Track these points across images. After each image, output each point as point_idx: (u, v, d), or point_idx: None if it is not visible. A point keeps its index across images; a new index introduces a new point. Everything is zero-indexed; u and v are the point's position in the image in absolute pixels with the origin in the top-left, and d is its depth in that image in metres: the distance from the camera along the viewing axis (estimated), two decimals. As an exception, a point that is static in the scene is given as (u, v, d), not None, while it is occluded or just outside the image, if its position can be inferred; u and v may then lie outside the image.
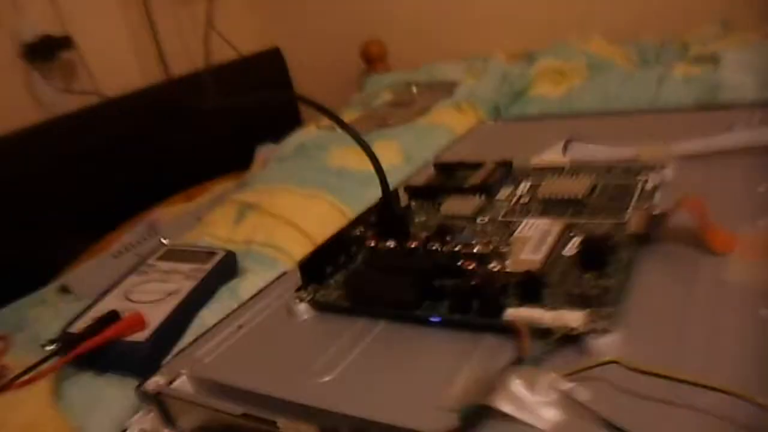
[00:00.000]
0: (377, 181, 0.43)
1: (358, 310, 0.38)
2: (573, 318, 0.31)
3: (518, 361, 0.30)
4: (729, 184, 0.46)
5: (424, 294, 0.36)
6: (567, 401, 0.27)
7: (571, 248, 0.38)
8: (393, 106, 0.98)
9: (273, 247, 0.55)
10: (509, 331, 0.32)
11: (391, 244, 0.40)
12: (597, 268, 0.36)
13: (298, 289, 0.41)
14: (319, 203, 0.60)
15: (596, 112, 0.74)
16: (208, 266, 0.51)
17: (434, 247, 0.38)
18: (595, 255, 0.36)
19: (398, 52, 1.26)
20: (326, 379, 0.33)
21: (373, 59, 1.27)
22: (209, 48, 1.15)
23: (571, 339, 0.31)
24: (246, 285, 0.50)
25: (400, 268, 0.37)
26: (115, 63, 1.07)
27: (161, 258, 0.53)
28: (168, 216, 0.80)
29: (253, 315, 0.42)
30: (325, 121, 0.87)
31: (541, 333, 0.31)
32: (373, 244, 0.41)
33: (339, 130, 0.83)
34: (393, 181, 0.47)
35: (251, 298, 0.44)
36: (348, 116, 0.91)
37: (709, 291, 0.34)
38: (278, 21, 1.41)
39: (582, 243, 0.36)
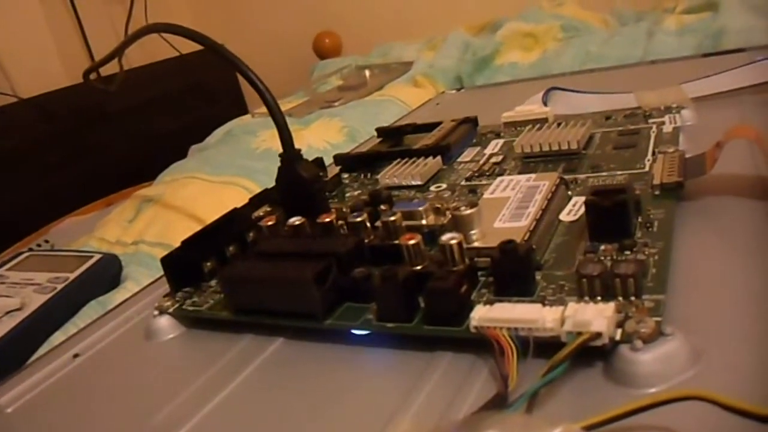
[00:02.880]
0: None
1: (243, 322, 0.23)
2: (595, 316, 0.16)
3: (497, 401, 0.15)
4: (755, 122, 0.32)
5: (341, 293, 0.21)
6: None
7: (571, 212, 0.24)
8: (342, 90, 0.85)
9: (164, 246, 0.40)
10: (481, 346, 0.18)
11: (297, 221, 0.25)
12: (619, 235, 0.21)
13: (166, 296, 0.26)
14: (231, 190, 0.46)
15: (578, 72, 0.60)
16: (72, 275, 0.38)
17: (359, 221, 0.24)
18: (614, 215, 0.21)
19: (353, 43, 1.16)
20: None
21: (327, 52, 1.16)
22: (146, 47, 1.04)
23: (591, 354, 0.17)
24: (121, 295, 0.36)
25: (304, 254, 0.23)
26: (37, 64, 0.97)
27: (16, 267, 0.41)
28: (77, 225, 0.66)
29: (100, 337, 0.27)
30: (263, 109, 0.73)
31: (540, 346, 0.17)
32: (270, 224, 0.26)
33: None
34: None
35: (106, 313, 0.30)
36: (291, 103, 0.77)
37: None
38: (226, 19, 1.32)
39: (590, 199, 0.22)
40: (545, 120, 0.39)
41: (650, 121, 0.35)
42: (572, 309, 0.18)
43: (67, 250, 0.44)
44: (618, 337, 0.17)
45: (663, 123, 0.35)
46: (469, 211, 0.22)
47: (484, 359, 0.19)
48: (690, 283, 0.20)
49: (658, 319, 0.18)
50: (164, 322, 0.26)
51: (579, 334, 0.17)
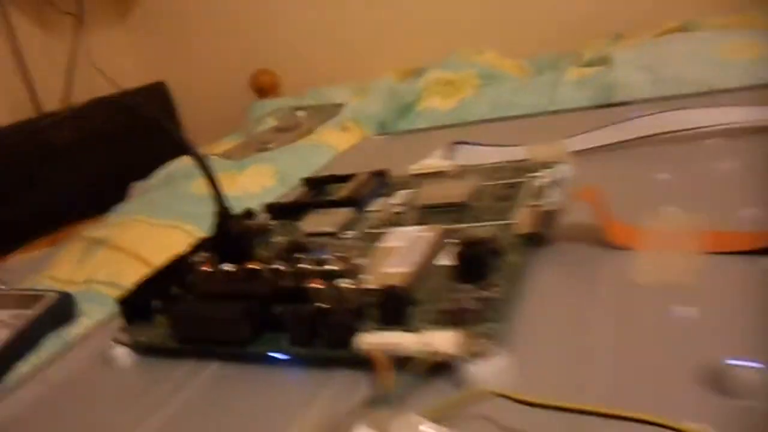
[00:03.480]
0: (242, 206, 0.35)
1: (186, 350, 0.30)
2: (441, 340, 0.23)
3: (373, 402, 0.22)
4: (629, 174, 0.40)
5: (263, 324, 0.28)
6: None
7: (447, 257, 0.31)
8: (277, 132, 0.91)
9: (114, 285, 0.46)
10: (365, 363, 0.24)
11: (229, 267, 0.32)
12: (478, 277, 0.28)
13: (121, 329, 0.32)
14: (173, 233, 0.51)
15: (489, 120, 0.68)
16: (33, 312, 0.43)
17: (278, 268, 0.30)
18: (475, 261, 0.29)
19: (291, 81, 1.21)
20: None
21: (264, 90, 1.21)
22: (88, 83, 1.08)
23: (444, 368, 0.23)
24: (78, 330, 0.42)
25: (234, 295, 0.29)
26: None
27: (-24, 306, 0.44)
28: (24, 263, 0.70)
29: (64, 367, 0.33)
30: (210, 150, 0.79)
31: (407, 363, 0.23)
32: (208, 269, 0.32)
33: (213, 157, 0.75)
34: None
35: (66, 346, 0.35)
36: (226, 145, 0.83)
37: (612, 293, 0.27)
38: (164, 55, 1.37)
39: (458, 248, 0.29)
40: (445, 173, 0.46)
41: (529, 175, 0.42)
42: (429, 335, 0.24)
43: (23, 289, 0.49)
44: (457, 354, 0.24)
45: (540, 176, 0.41)
46: (362, 260, 0.29)
47: (369, 375, 0.25)
48: (529, 315, 0.27)
49: (491, 341, 0.24)
50: (121, 351, 0.32)
51: (431, 352, 0.24)
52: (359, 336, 0.25)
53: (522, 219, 0.33)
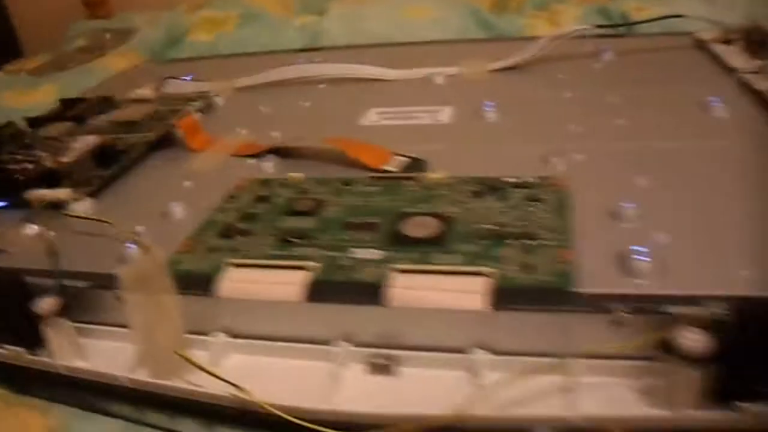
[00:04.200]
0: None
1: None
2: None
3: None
4: (278, 104, 0.64)
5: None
6: None
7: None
8: (81, 52, 1.11)
9: None
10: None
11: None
12: (109, 164, 0.54)
13: None
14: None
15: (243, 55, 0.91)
16: None
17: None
18: (108, 154, 0.54)
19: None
20: None
21: (92, 3, 1.37)
22: None
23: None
24: None
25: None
26: None
27: None
28: None
29: None
30: (22, 66, 0.99)
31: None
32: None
33: (23, 75, 0.97)
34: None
35: None
36: (37, 61, 1.03)
37: (185, 179, 0.48)
38: None
39: (98, 146, 0.54)
40: (149, 100, 0.70)
41: (191, 103, 0.67)
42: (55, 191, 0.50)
43: None
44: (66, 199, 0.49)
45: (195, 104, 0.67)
46: (62, 159, 0.54)
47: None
48: (128, 189, 0.53)
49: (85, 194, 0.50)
50: None
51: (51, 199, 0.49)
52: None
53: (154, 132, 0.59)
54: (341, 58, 0.72)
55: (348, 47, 0.83)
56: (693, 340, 0.26)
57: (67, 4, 1.40)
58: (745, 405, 0.27)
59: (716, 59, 0.61)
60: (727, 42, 0.67)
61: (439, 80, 0.62)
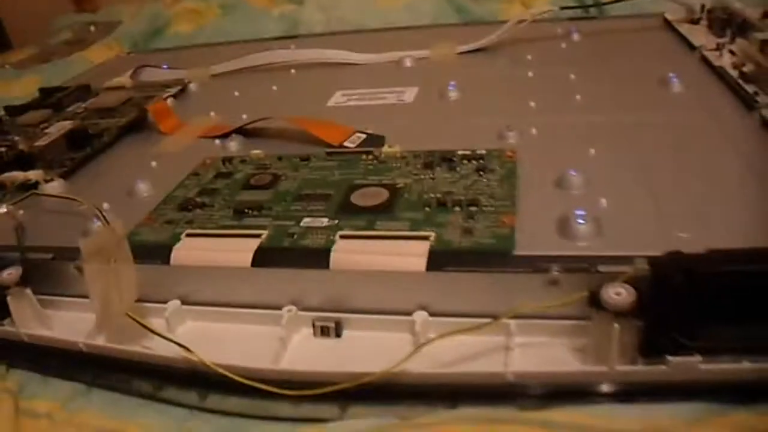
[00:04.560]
0: None
1: None
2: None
3: None
4: (249, 89, 0.66)
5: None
6: None
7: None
8: (66, 45, 1.12)
9: None
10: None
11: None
12: (82, 147, 0.55)
13: None
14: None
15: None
16: None
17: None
18: (81, 137, 0.55)
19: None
20: None
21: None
22: None
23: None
24: None
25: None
26: None
27: None
28: None
29: None
30: (7, 59, 1.01)
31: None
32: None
33: (7, 68, 0.98)
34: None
35: None
36: (23, 54, 1.04)
37: (153, 160, 0.50)
38: None
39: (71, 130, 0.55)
40: (125, 87, 0.71)
41: (167, 89, 0.69)
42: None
43: None
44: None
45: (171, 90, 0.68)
46: (38, 143, 0.55)
47: None
48: (100, 168, 0.55)
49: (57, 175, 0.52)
50: None
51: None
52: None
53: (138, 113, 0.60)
54: (316, 44, 0.74)
55: (323, 35, 0.84)
56: (618, 294, 0.27)
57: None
58: (672, 358, 0.28)
59: (682, 38, 0.62)
60: (694, 22, 0.67)
61: (408, 63, 0.63)
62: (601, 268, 0.29)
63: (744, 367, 0.26)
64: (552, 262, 0.30)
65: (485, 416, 0.28)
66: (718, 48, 0.57)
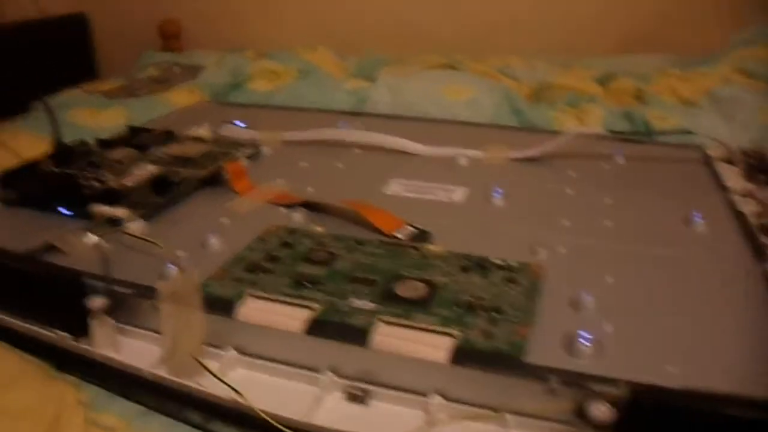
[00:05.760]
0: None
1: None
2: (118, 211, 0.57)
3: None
4: (312, 160, 0.73)
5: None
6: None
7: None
8: (151, 81, 1.21)
9: None
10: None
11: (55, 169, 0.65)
12: (164, 193, 0.62)
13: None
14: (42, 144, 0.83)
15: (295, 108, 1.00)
16: None
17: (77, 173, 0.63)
18: (164, 183, 0.62)
19: (194, 34, 1.50)
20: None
21: (168, 36, 1.49)
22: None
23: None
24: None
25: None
26: None
27: None
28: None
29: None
30: (97, 87, 1.10)
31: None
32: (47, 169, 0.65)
33: (95, 94, 1.06)
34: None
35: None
36: (108, 85, 1.13)
37: (225, 216, 0.56)
38: None
39: (156, 176, 0.63)
40: (204, 139, 0.79)
41: (242, 149, 0.76)
42: (114, 208, 0.58)
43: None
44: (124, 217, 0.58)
45: (242, 152, 0.76)
46: (125, 181, 0.63)
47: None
48: (180, 217, 0.62)
49: (144, 215, 0.59)
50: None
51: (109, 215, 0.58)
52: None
53: (207, 171, 0.67)
54: (382, 125, 0.80)
55: (389, 117, 0.89)
56: (600, 410, 0.33)
57: (145, 33, 1.52)
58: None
59: (715, 176, 0.67)
60: (730, 162, 0.73)
61: (463, 161, 0.69)
62: (593, 386, 0.34)
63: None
64: (553, 373, 0.36)
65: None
66: (746, 195, 0.62)
